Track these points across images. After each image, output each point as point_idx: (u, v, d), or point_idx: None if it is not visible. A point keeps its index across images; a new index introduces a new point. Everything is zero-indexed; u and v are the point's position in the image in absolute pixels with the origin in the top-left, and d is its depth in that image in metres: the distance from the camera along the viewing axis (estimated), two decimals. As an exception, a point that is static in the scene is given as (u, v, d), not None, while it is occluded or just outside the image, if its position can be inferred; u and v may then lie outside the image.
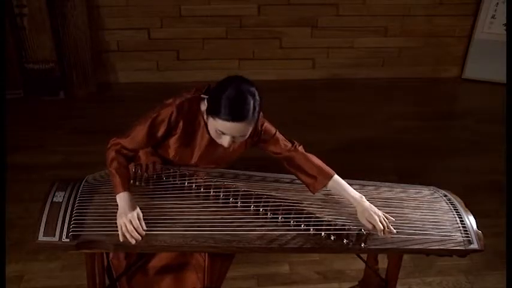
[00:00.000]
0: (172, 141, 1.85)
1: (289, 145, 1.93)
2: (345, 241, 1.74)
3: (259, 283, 2.56)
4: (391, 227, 1.78)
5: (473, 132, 3.94)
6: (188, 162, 1.91)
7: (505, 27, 4.41)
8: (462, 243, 1.84)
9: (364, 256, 2.24)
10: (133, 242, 1.65)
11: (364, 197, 1.85)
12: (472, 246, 1.84)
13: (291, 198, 1.88)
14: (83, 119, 3.96)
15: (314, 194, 1.90)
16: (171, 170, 1.89)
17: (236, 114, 1.64)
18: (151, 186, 1.86)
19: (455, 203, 2.00)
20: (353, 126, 3.97)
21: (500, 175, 3.21)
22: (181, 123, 1.80)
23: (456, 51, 4.74)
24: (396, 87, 4.63)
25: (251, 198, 1.82)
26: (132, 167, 1.88)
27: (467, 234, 1.86)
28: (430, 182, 2.19)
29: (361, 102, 4.34)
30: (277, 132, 1.93)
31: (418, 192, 2.04)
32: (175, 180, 1.87)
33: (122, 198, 1.73)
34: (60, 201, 1.76)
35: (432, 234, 1.83)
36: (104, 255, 1.92)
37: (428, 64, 4.78)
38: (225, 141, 1.73)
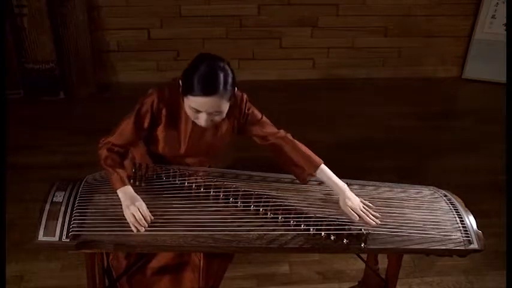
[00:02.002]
0: (159, 131, 1.87)
1: (278, 132, 1.96)
2: (345, 241, 1.74)
3: (259, 283, 2.55)
4: (372, 217, 1.81)
5: (473, 132, 3.94)
6: (178, 152, 1.91)
7: (505, 27, 4.41)
8: (462, 243, 1.84)
9: (364, 256, 2.24)
10: (142, 230, 1.67)
11: (347, 185, 1.87)
12: (472, 246, 1.84)
13: (291, 198, 1.88)
14: (83, 119, 3.95)
15: (304, 183, 1.92)
16: (171, 170, 1.89)
17: (207, 88, 1.67)
18: (151, 186, 1.85)
19: (455, 203, 2.00)
20: (353, 126, 3.97)
21: (500, 175, 3.22)
22: (164, 111, 1.82)
23: (456, 51, 4.74)
24: (396, 87, 4.63)
25: (251, 198, 1.82)
26: (132, 167, 1.88)
27: (467, 234, 1.86)
28: (430, 182, 2.20)
29: (361, 102, 4.34)
30: (264, 117, 1.96)
31: (418, 192, 2.04)
32: (175, 180, 1.87)
33: (124, 192, 1.75)
34: (60, 201, 1.76)
35: (432, 234, 1.83)
36: (104, 256, 1.92)
37: (428, 64, 4.78)
38: (202, 119, 1.74)
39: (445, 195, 2.04)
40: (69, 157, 3.43)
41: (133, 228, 1.68)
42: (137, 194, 1.77)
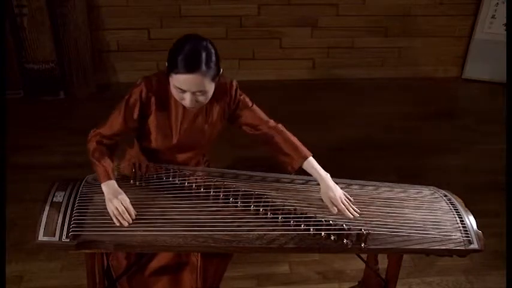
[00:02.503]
0: (151, 122, 1.88)
1: (269, 121, 1.97)
2: (345, 241, 1.74)
3: (259, 283, 2.55)
4: (352, 211, 1.82)
5: (473, 132, 3.94)
6: (171, 142, 1.92)
7: (505, 27, 4.41)
8: (462, 243, 1.84)
9: (364, 256, 2.24)
10: (125, 224, 1.68)
11: (329, 175, 1.88)
12: (472, 246, 1.84)
13: (291, 198, 1.88)
14: (83, 119, 3.94)
15: (292, 173, 1.93)
16: (171, 170, 1.89)
17: (189, 65, 1.69)
18: (151, 186, 1.86)
19: (455, 203, 2.00)
20: (353, 126, 3.97)
21: (500, 175, 3.21)
22: (153, 99, 1.84)
23: (456, 51, 4.74)
24: (396, 87, 4.63)
25: (251, 198, 1.82)
26: (131, 168, 1.88)
27: (467, 234, 1.86)
28: (430, 182, 2.20)
29: (361, 102, 4.34)
30: (255, 106, 1.98)
31: (418, 192, 2.04)
32: (175, 180, 1.87)
33: (108, 186, 1.76)
34: (60, 201, 1.76)
35: (432, 234, 1.83)
36: (104, 256, 1.92)
37: (428, 64, 4.77)
38: (187, 99, 1.75)
39: (445, 195, 2.04)
40: (69, 157, 3.42)
41: (115, 221, 1.69)
42: (137, 194, 1.77)
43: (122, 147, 2.12)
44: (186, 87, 1.72)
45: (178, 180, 1.87)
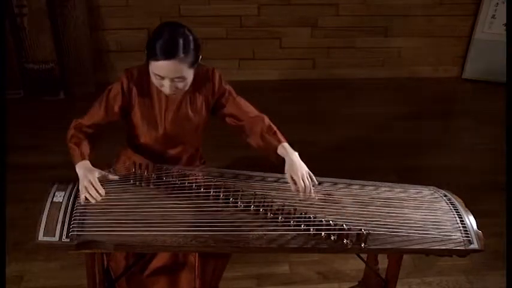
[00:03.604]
0: (135, 115, 1.91)
1: (254, 111, 1.98)
2: (345, 241, 1.74)
3: (259, 283, 2.55)
4: (309, 191, 1.81)
5: (473, 132, 3.94)
6: (158, 133, 1.93)
7: (505, 27, 4.41)
8: (462, 243, 1.84)
9: (364, 256, 2.24)
10: (93, 201, 1.70)
11: (298, 154, 1.86)
12: (472, 246, 1.84)
13: (291, 198, 1.88)
14: (83, 119, 3.95)
15: (275, 162, 1.91)
16: (171, 170, 1.89)
17: (167, 52, 1.72)
18: (151, 186, 1.85)
19: (455, 203, 2.00)
20: (353, 126, 3.97)
21: (500, 175, 3.21)
22: (134, 90, 1.87)
23: (456, 51, 4.74)
24: (396, 87, 4.63)
25: (251, 198, 1.82)
26: (132, 168, 1.88)
27: (467, 234, 1.86)
28: (430, 182, 2.19)
29: (361, 102, 4.34)
30: (240, 97, 1.99)
31: (418, 192, 2.04)
32: (176, 180, 1.87)
33: (81, 166, 1.78)
34: (60, 201, 1.76)
35: (432, 234, 1.83)
36: (104, 257, 1.92)
37: (428, 64, 4.77)
38: (166, 86, 1.78)
39: (445, 195, 2.04)
40: (69, 157, 3.41)
41: (82, 200, 1.71)
42: (137, 193, 1.77)
43: (115, 149, 2.14)
44: (165, 74, 1.74)
45: (179, 180, 1.87)
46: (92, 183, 1.71)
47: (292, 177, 1.82)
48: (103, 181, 1.77)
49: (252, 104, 1.99)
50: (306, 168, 1.84)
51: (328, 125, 3.97)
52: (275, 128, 1.94)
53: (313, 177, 1.85)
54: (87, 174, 1.74)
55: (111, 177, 1.78)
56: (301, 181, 1.80)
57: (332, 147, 3.62)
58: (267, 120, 1.96)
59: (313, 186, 1.83)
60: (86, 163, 1.79)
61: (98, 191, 1.71)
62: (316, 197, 1.84)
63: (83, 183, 1.73)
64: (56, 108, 4.11)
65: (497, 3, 4.42)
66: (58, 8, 3.96)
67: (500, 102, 3.94)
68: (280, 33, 4.49)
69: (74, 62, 4.17)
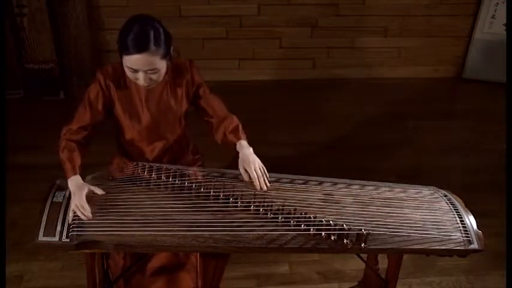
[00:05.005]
0: (117, 110, 1.94)
1: (225, 111, 2.01)
2: (345, 241, 1.73)
3: (259, 283, 2.56)
4: (262, 181, 1.84)
5: (473, 132, 3.94)
6: (141, 124, 1.95)
7: (505, 27, 4.41)
8: (462, 243, 1.84)
9: (364, 256, 2.24)
10: (84, 218, 1.69)
11: (251, 148, 1.91)
12: (472, 246, 1.84)
13: (291, 198, 1.88)
14: (83, 119, 3.95)
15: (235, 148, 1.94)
16: (172, 170, 1.89)
17: (138, 45, 1.75)
18: (151, 186, 1.86)
19: (455, 203, 2.00)
20: (353, 126, 3.97)
21: (500, 175, 3.21)
22: (112, 85, 1.92)
23: (456, 51, 4.74)
24: (396, 87, 4.63)
25: (251, 198, 1.82)
26: (132, 168, 1.88)
27: (467, 234, 1.86)
28: (430, 182, 2.19)
29: (361, 102, 4.34)
30: (213, 94, 2.03)
31: (418, 192, 2.04)
32: (175, 180, 1.87)
33: (72, 183, 1.78)
34: (60, 201, 1.77)
35: (432, 234, 1.83)
36: (104, 257, 1.92)
37: (428, 64, 4.77)
38: (140, 78, 1.81)
39: (445, 195, 2.04)
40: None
41: (70, 216, 1.70)
42: (137, 194, 1.77)
43: (109, 152, 2.14)
44: (138, 67, 1.77)
45: (179, 180, 1.87)
46: (78, 207, 1.70)
47: (245, 169, 1.86)
48: (92, 196, 1.77)
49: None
50: (259, 161, 1.89)
51: (328, 125, 3.97)
52: (240, 128, 1.99)
53: (265, 169, 1.89)
54: (76, 192, 1.74)
55: (98, 192, 1.78)
56: (254, 171, 1.84)
57: (332, 147, 3.62)
58: (235, 120, 2.00)
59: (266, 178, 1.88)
60: (77, 178, 1.79)
61: (83, 213, 1.70)
62: (271, 186, 1.89)
63: (71, 204, 1.73)
64: (56, 108, 4.10)
65: (497, 3, 4.42)
66: (58, 8, 3.96)
67: (500, 102, 3.94)
68: (280, 33, 4.49)
69: (74, 62, 4.17)
